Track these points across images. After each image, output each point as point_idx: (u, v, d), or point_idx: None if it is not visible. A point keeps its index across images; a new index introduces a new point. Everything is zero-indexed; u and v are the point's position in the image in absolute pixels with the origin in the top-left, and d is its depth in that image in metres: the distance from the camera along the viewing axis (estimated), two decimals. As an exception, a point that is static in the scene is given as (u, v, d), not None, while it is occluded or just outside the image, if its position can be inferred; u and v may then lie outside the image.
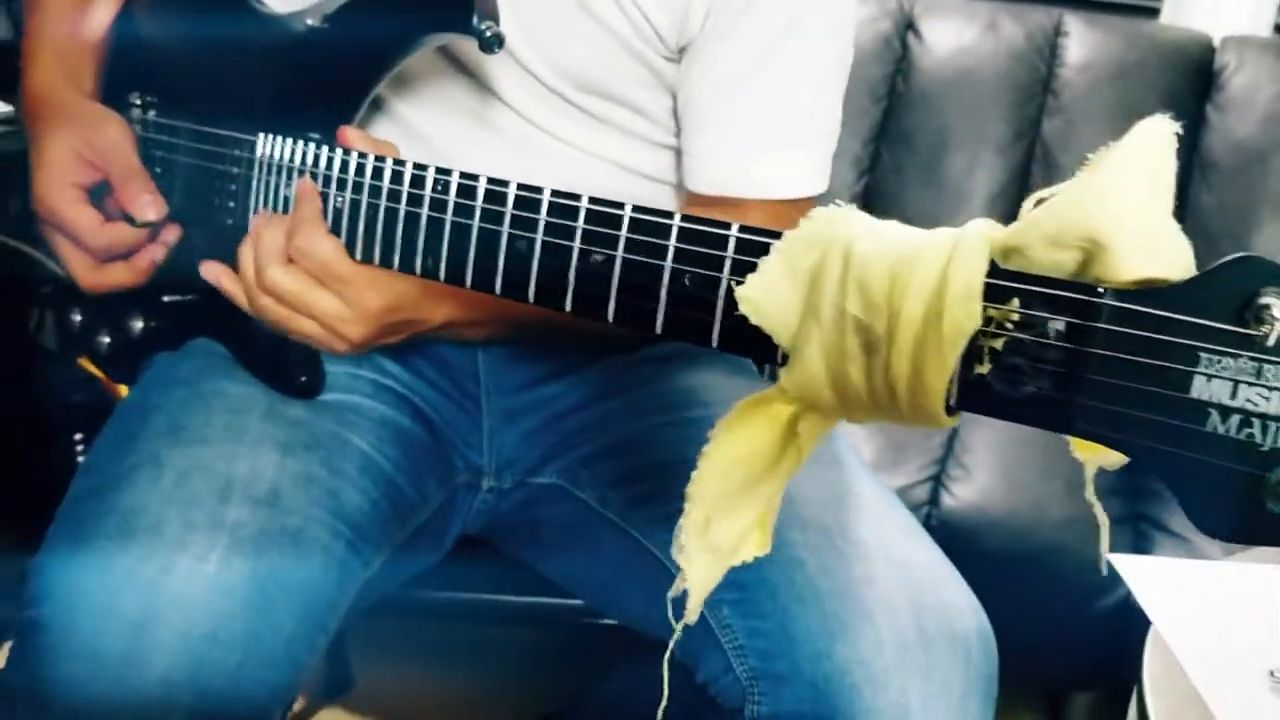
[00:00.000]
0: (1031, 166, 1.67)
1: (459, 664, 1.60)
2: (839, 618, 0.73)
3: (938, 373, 0.40)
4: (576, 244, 0.61)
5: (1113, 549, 1.26)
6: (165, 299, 0.88)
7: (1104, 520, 0.45)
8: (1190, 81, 1.65)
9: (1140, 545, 1.40)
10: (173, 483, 0.75)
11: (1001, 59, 1.67)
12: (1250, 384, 0.35)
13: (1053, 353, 0.39)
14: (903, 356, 0.41)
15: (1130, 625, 1.29)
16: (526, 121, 0.84)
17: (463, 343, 0.91)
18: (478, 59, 0.81)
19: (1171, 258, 0.38)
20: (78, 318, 0.95)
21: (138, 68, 0.91)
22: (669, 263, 0.55)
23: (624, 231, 0.58)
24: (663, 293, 0.55)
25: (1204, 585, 0.97)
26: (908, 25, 1.70)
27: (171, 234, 0.85)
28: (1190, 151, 1.63)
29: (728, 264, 0.50)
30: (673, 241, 0.55)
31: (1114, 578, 1.29)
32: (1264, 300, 0.35)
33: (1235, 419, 0.36)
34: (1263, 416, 0.35)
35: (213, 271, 0.81)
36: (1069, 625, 1.39)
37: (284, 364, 0.84)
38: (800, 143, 0.85)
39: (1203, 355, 0.36)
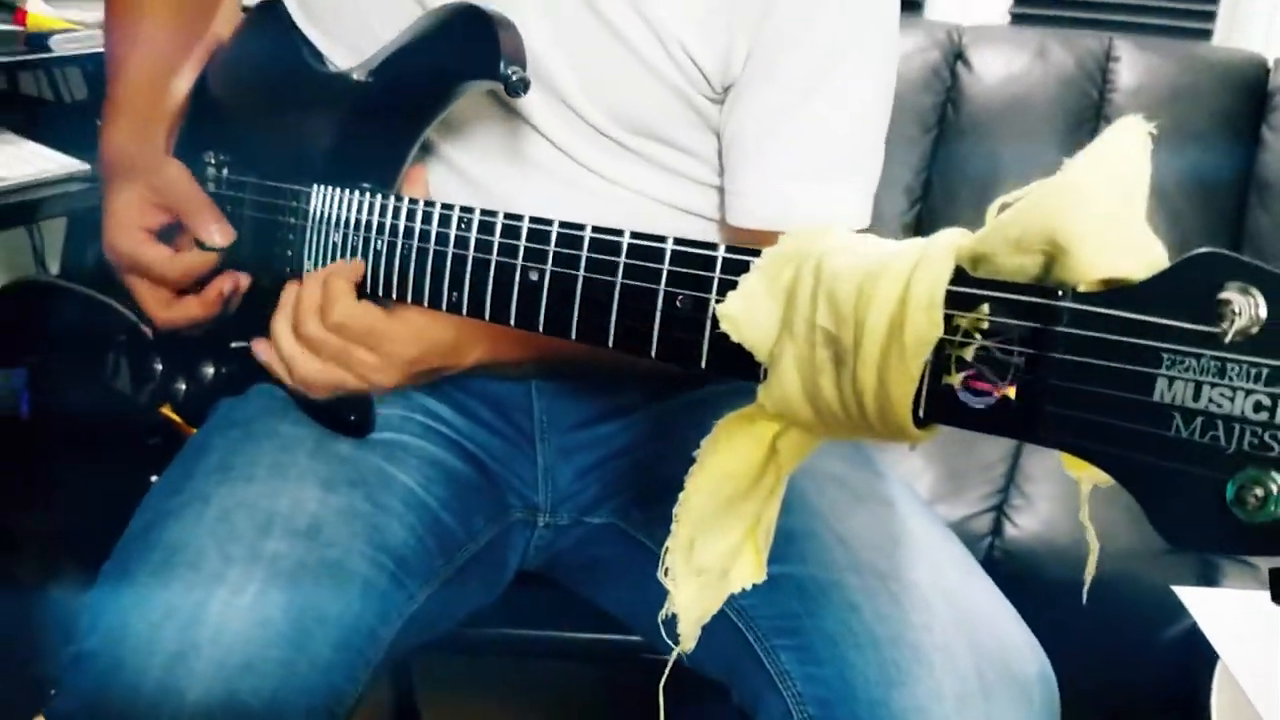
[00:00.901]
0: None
1: (523, 700, 1.60)
2: (897, 665, 0.71)
3: (901, 383, 0.39)
4: (581, 272, 0.62)
5: (1180, 578, 1.22)
6: (233, 345, 0.91)
7: (1094, 545, 0.43)
8: (1245, 103, 1.61)
9: (1208, 574, 1.36)
10: (215, 518, 0.76)
11: (1052, 85, 1.64)
12: (1214, 384, 0.34)
13: (1015, 359, 0.38)
14: (868, 367, 0.40)
15: (1197, 655, 1.24)
16: (575, 163, 0.85)
17: (503, 377, 0.91)
18: (525, 103, 0.82)
19: (1136, 257, 0.36)
20: (158, 366, 0.98)
21: (211, 129, 0.96)
22: (662, 285, 0.55)
23: (623, 258, 0.59)
24: (656, 315, 0.55)
25: (1271, 616, 0.94)
26: (956, 55, 1.69)
27: (242, 280, 0.87)
28: (1246, 173, 1.58)
29: (715, 284, 0.50)
30: (666, 265, 0.55)
31: (1181, 606, 1.25)
32: (1224, 295, 0.34)
33: (1199, 422, 0.34)
34: (1226, 418, 0.34)
35: (260, 349, 0.84)
36: (1135, 655, 1.35)
37: (336, 403, 0.85)
38: (842, 178, 0.85)
39: (1165, 355, 0.35)
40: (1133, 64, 1.63)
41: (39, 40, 1.33)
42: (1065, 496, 1.47)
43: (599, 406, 0.94)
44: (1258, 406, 0.33)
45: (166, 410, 1.56)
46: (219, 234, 0.85)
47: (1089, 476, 0.42)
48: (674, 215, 0.88)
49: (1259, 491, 0.32)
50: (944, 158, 1.69)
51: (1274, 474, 0.32)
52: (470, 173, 0.86)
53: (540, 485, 0.94)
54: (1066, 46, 1.65)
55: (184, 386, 0.97)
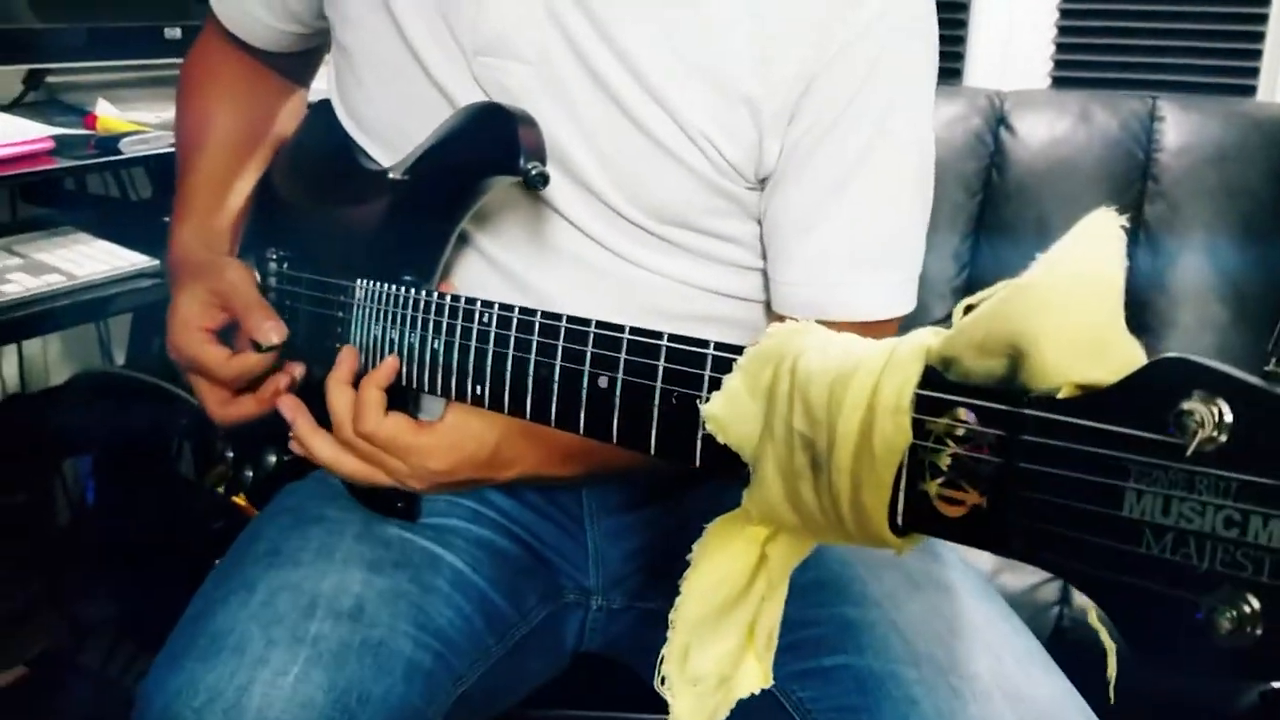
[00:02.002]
0: (1136, 252, 1.61)
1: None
2: None
3: (874, 489, 0.38)
4: (586, 368, 0.62)
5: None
6: (290, 433, 0.94)
7: (1111, 646, 0.41)
8: (1293, 157, 1.56)
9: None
10: (260, 603, 0.78)
11: (1096, 147, 1.62)
12: (1183, 498, 0.32)
13: (985, 468, 0.37)
14: (842, 472, 0.39)
15: (1274, 725, 1.19)
16: (609, 252, 0.86)
17: (548, 489, 0.92)
18: (557, 196, 0.84)
19: (1107, 360, 0.35)
20: (229, 454, 1.01)
21: (274, 226, 1.00)
22: (659, 383, 0.54)
23: (623, 354, 0.59)
24: (654, 412, 0.55)
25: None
26: (999, 120, 1.67)
27: (297, 370, 0.90)
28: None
29: (705, 382, 0.50)
30: (661, 362, 0.55)
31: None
32: (1186, 405, 0.32)
33: (1169, 538, 0.32)
34: (1198, 535, 0.32)
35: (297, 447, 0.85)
36: (1209, 723, 1.29)
37: (385, 489, 0.86)
38: (883, 266, 0.84)
39: (1132, 467, 0.33)
40: (1177, 123, 1.60)
41: (109, 143, 1.38)
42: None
43: (645, 488, 0.94)
44: (1228, 522, 0.31)
45: (238, 500, 1.59)
46: (273, 333, 0.87)
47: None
48: (711, 299, 0.88)
49: (1231, 613, 0.30)
50: (991, 222, 1.67)
51: (1247, 596, 0.30)
52: (508, 265, 0.87)
53: (591, 568, 0.94)
54: (1110, 108, 1.63)
55: (250, 474, 0.99)
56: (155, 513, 1.77)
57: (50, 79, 1.57)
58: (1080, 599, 1.43)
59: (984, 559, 1.51)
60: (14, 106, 1.51)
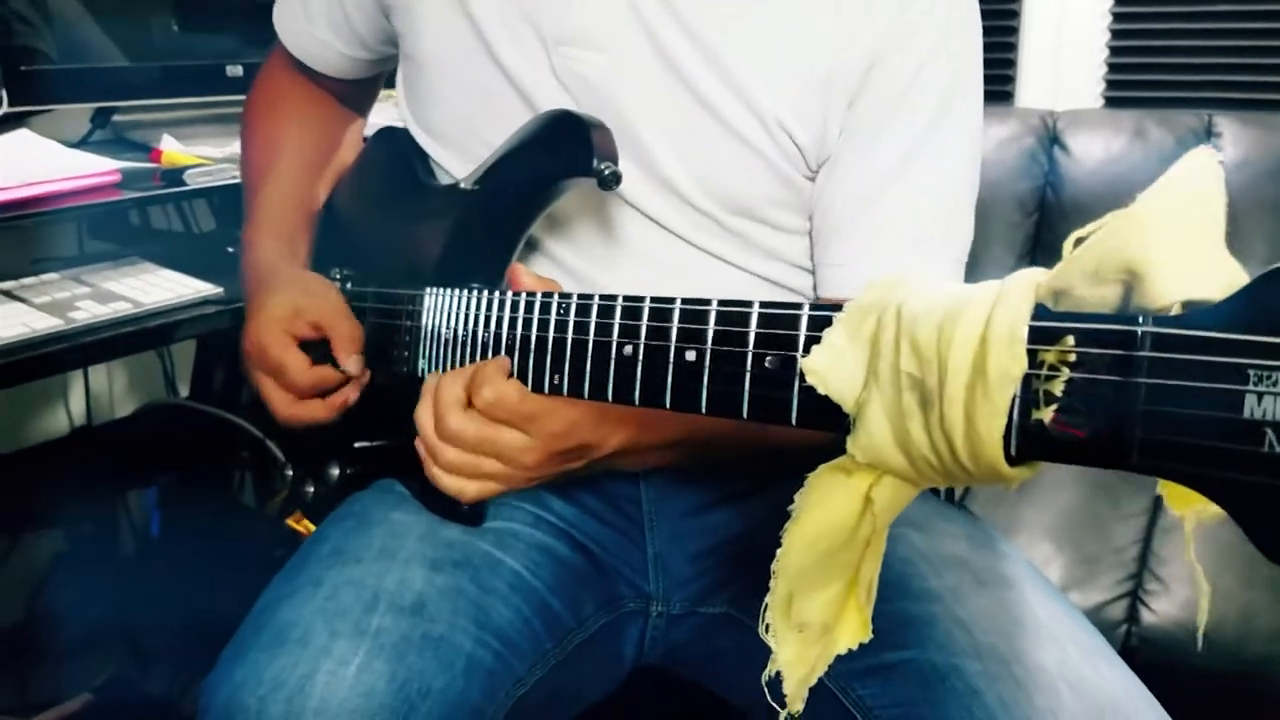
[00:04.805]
0: (1196, 267, 1.59)
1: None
2: None
3: (989, 420, 0.39)
4: (672, 343, 0.63)
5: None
6: (356, 446, 0.95)
7: (1205, 588, 0.41)
8: (1353, 167, 1.55)
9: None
10: (325, 597, 0.79)
11: (1153, 164, 1.62)
12: (1305, 398, 0.33)
13: (1104, 388, 0.38)
14: (955, 406, 0.40)
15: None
16: (679, 240, 0.87)
17: (642, 466, 0.90)
18: (632, 190, 0.86)
19: (1214, 278, 0.36)
20: (288, 473, 1.03)
21: (338, 245, 1.03)
22: (750, 348, 0.56)
23: (712, 325, 0.60)
24: (746, 377, 0.56)
25: None
26: (1053, 139, 1.68)
27: (365, 379, 0.92)
28: (1362, 235, 1.53)
29: (801, 341, 0.51)
30: (753, 328, 0.56)
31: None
32: (1307, 308, 0.33)
33: (1293, 436, 0.33)
34: None
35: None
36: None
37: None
38: (934, 249, 0.86)
39: (1251, 372, 0.34)
40: (1235, 139, 1.60)
41: (174, 175, 1.41)
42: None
43: (709, 494, 0.94)
44: (1352, 417, 0.32)
45: (292, 522, 1.61)
46: (354, 365, 0.91)
47: (1194, 514, 0.41)
48: (772, 292, 0.90)
49: (1361, 501, 0.31)
50: (1047, 242, 1.67)
51: (1375, 483, 0.31)
52: (574, 265, 0.89)
53: (651, 573, 0.94)
54: (1165, 125, 1.63)
55: (313, 489, 1.01)
56: (219, 542, 1.79)
57: (117, 117, 1.61)
58: (1148, 616, 1.42)
59: (1050, 575, 1.49)
60: (82, 144, 1.56)
